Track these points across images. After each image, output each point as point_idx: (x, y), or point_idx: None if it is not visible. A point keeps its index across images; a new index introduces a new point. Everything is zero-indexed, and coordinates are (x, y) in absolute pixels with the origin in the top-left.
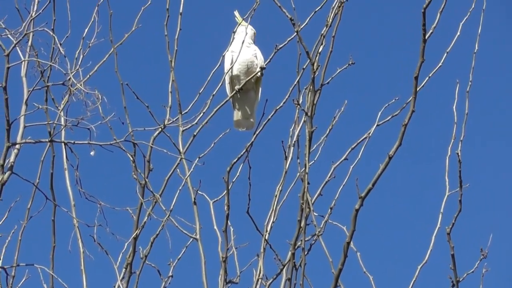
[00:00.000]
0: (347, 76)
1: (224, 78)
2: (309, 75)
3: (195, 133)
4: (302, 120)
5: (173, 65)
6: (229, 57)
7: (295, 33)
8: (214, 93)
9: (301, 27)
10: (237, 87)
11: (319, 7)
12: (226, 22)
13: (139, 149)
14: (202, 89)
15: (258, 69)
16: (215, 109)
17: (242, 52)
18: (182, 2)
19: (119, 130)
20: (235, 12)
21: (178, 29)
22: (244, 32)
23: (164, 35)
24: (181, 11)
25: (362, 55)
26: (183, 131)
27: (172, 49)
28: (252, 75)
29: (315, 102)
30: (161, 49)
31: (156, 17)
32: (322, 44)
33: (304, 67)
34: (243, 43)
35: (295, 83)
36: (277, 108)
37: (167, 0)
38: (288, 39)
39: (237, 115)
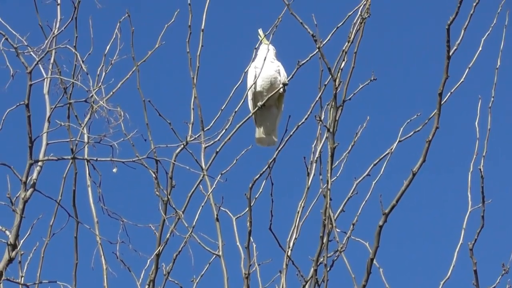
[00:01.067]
0: (369, 92)
1: (247, 94)
2: (331, 91)
3: (217, 150)
4: (324, 136)
5: (195, 81)
6: (252, 72)
7: (317, 49)
8: (236, 109)
9: (323, 43)
10: (259, 104)
11: (341, 23)
12: (248, 38)
13: (162, 166)
14: (224, 105)
15: (281, 85)
16: (237, 126)
17: (265, 67)
18: (204, 19)
19: (142, 147)
20: (259, 30)
21: (200, 46)
22: (266, 49)
23: (186, 52)
24: (203, 27)
25: (384, 71)
26: (205, 147)
27: (194, 66)
28: (275, 91)
29: (337, 118)
30: (184, 66)
31: (178, 34)
32: (344, 60)
33: (326, 83)
34: (265, 59)
35: (317, 99)
36: (299, 124)
37: (190, 17)
38: (310, 55)
39: (259, 132)
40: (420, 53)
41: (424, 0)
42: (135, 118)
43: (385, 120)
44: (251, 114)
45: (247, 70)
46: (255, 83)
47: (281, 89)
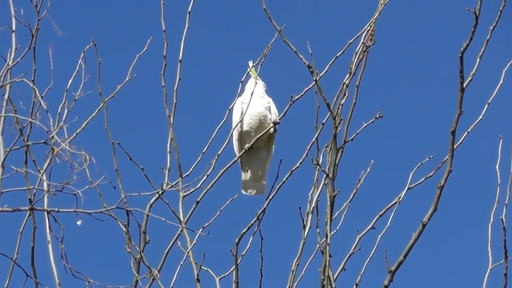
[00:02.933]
0: (373, 131)
1: (232, 134)
2: (330, 131)
3: (198, 199)
4: (322, 183)
5: (171, 120)
6: (238, 109)
7: (314, 82)
8: (219, 152)
9: (320, 75)
10: (246, 146)
11: (340, 52)
12: (233, 70)
13: (134, 217)
14: (206, 148)
15: (271, 124)
16: (221, 171)
17: (254, 103)
18: (181, 48)
19: (110, 196)
20: (249, 62)
21: (178, 79)
22: (254, 83)
23: (161, 86)
24: (180, 58)
25: (390, 107)
26: (184, 196)
27: (171, 102)
28: (264, 131)
29: (337, 162)
30: (158, 102)
31: (152, 65)
32: (345, 95)
33: (324, 121)
34: (253, 94)
35: (314, 140)
36: (293, 169)
37: (165, 45)
38: (306, 89)
39: (246, 178)
40: (430, 86)
41: (434, 25)
42: (103, 163)
43: (392, 164)
44: (237, 157)
45: (232, 106)
46: (241, 121)
47: (272, 129)
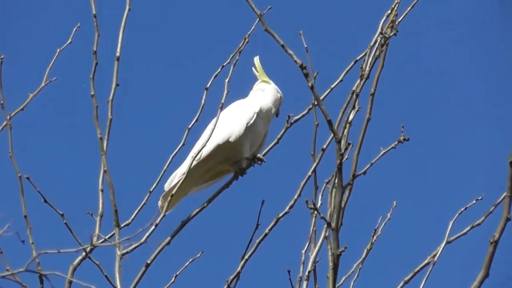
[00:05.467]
0: (395, 160)
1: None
2: (333, 160)
3: (148, 261)
4: (322, 236)
5: (105, 145)
6: (245, 116)
7: (310, 89)
8: (173, 192)
9: (315, 77)
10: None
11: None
12: (196, 73)
13: (50, 284)
14: (155, 184)
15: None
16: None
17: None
18: (119, 40)
19: (17, 253)
20: (255, 58)
21: (114, 85)
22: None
23: (90, 95)
24: (118, 54)
25: (417, 126)
26: (122, 255)
27: (104, 118)
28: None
29: (343, 204)
30: (87, 118)
31: (80, 65)
32: (354, 108)
33: (325, 146)
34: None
35: (310, 173)
36: (280, 216)
37: (95, 37)
38: (307, 108)
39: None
40: (473, 95)
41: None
42: (6, 206)
43: (421, 206)
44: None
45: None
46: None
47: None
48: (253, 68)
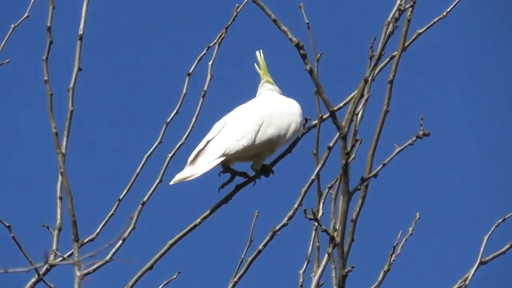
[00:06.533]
0: (412, 160)
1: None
2: (337, 160)
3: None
4: (326, 256)
5: (64, 142)
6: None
7: (309, 72)
8: (144, 199)
9: (318, 57)
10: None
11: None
12: (173, 61)
13: None
14: (125, 192)
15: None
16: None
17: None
18: (83, 15)
19: None
20: (257, 52)
21: (76, 70)
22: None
23: (43, 81)
24: (80, 32)
25: (439, 118)
26: (83, 276)
27: (63, 108)
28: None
29: (354, 215)
30: (41, 109)
31: (34, 44)
32: (362, 96)
33: (332, 144)
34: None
35: (313, 176)
36: (276, 229)
37: (50, 10)
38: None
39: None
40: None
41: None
42: None
43: (449, 220)
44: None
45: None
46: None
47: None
48: (255, 65)
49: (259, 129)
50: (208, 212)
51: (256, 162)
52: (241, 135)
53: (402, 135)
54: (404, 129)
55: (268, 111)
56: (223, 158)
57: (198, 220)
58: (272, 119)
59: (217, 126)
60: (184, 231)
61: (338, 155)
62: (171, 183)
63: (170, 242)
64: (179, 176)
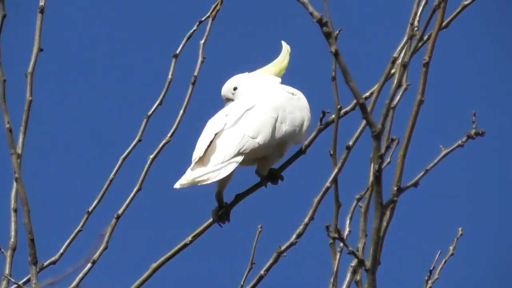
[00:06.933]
0: (461, 164)
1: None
2: (365, 164)
3: None
4: (348, 278)
5: (20, 141)
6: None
7: (334, 55)
8: (119, 212)
9: (336, 34)
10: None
11: None
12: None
13: None
14: (95, 203)
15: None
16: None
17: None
18: None
19: None
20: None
21: (36, 50)
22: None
23: None
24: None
25: (494, 114)
26: None
27: (21, 100)
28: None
29: (382, 231)
30: None
31: None
32: (399, 85)
33: (351, 143)
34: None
35: (328, 183)
36: (283, 249)
37: None
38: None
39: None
40: None
41: None
42: None
43: (500, 238)
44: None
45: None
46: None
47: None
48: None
49: (275, 124)
50: (201, 228)
51: (262, 166)
52: (255, 130)
53: (435, 131)
54: (438, 124)
55: (279, 102)
56: (241, 158)
57: (189, 238)
58: (285, 113)
59: (221, 115)
60: (171, 252)
61: (361, 155)
62: (176, 186)
63: (154, 265)
64: (189, 178)
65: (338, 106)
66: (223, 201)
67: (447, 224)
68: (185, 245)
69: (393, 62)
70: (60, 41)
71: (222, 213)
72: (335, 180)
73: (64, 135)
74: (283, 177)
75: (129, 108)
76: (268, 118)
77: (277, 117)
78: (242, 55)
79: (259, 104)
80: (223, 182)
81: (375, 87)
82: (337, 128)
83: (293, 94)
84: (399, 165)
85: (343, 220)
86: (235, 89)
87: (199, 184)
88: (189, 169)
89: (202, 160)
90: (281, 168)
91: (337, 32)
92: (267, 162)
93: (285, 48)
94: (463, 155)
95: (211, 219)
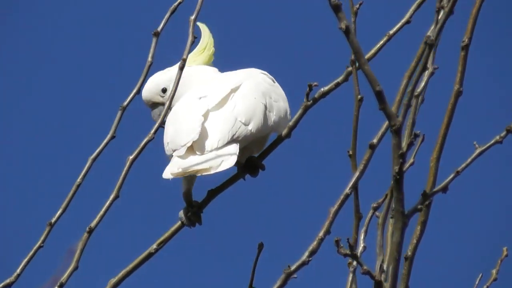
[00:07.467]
0: (499, 165)
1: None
2: (386, 165)
3: None
4: None
5: None
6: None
7: (345, 33)
8: (92, 225)
9: (355, 9)
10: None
11: None
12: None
13: None
14: (59, 213)
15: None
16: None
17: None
18: None
19: None
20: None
21: None
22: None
23: None
24: None
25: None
26: None
27: None
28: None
29: (410, 253)
30: None
31: None
32: (424, 69)
33: (375, 141)
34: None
35: (348, 190)
36: (292, 269)
37: None
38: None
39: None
40: None
41: None
42: None
43: None
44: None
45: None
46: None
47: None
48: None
49: (265, 112)
50: (168, 233)
51: (241, 154)
52: (247, 116)
53: (467, 125)
54: (470, 117)
55: (265, 88)
56: (236, 146)
57: (154, 246)
58: (271, 101)
59: (192, 98)
60: (133, 263)
61: (385, 155)
62: (166, 175)
63: (113, 281)
64: (184, 166)
65: (359, 96)
66: (192, 200)
67: (487, 241)
68: (150, 255)
69: (426, 42)
70: (17, 14)
71: (193, 214)
72: (355, 187)
73: (24, 131)
74: (264, 166)
75: (102, 98)
76: (258, 104)
77: (266, 104)
78: (240, 33)
79: (245, 86)
80: (191, 177)
81: (406, 74)
82: (357, 123)
83: (273, 81)
84: (431, 170)
85: (357, 232)
86: (164, 90)
87: (198, 175)
88: (175, 156)
89: (200, 146)
90: (261, 156)
91: (357, 6)
92: (247, 150)
93: (205, 30)
94: (502, 153)
95: (179, 223)
